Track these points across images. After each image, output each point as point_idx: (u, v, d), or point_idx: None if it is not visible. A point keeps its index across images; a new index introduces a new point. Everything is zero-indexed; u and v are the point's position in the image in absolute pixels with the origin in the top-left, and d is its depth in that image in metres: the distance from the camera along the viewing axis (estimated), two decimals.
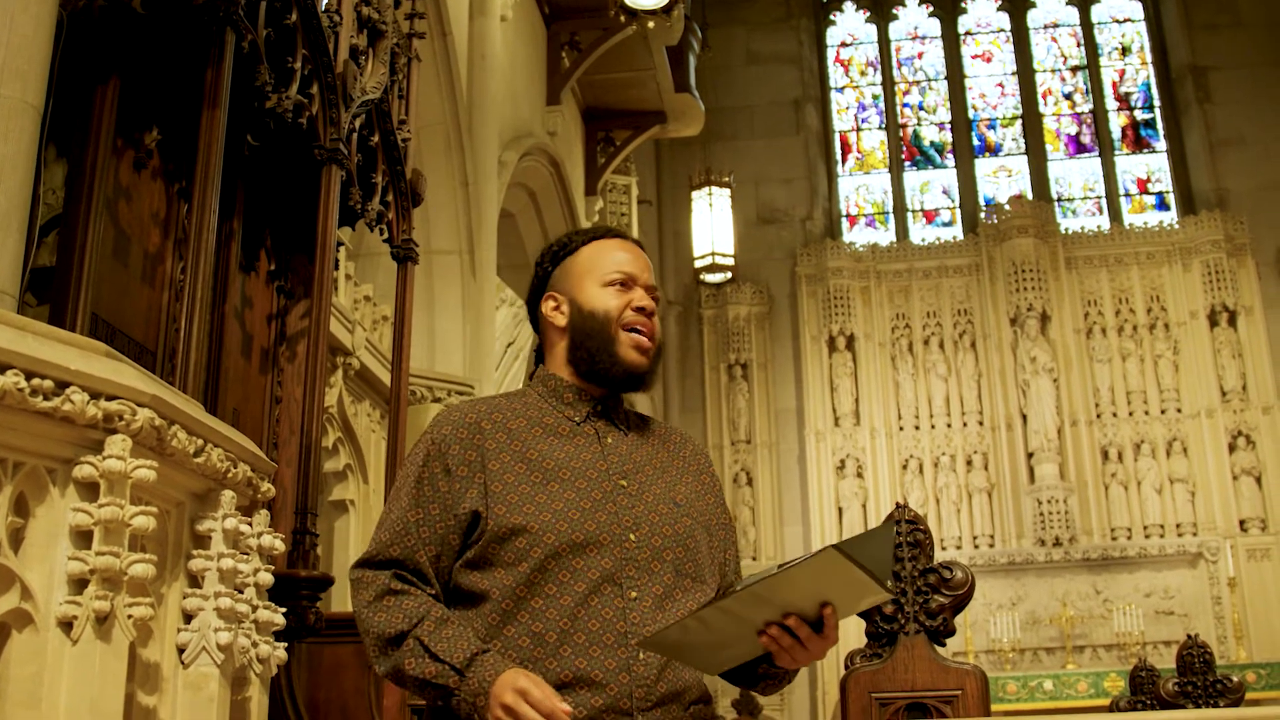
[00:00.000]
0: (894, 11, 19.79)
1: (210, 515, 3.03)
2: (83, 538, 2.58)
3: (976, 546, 15.91)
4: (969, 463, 16.31)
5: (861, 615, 3.15)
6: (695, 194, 15.65)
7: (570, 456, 2.28)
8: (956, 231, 18.11)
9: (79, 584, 2.56)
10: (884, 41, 19.68)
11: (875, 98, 19.43)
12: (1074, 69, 19.30)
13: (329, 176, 4.46)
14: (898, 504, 3.25)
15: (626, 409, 2.44)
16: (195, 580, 3.00)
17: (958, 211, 18.58)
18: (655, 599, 2.19)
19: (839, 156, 19.09)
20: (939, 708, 3.03)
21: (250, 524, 3.18)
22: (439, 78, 9.15)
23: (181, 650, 2.96)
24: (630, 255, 2.40)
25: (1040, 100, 19.10)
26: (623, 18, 11.36)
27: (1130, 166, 18.66)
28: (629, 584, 2.18)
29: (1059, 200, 18.38)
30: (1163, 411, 16.21)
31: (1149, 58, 19.05)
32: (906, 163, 19.03)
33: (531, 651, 2.14)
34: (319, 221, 4.43)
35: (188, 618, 2.98)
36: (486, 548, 2.21)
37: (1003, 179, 18.68)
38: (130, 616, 2.63)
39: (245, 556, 3.11)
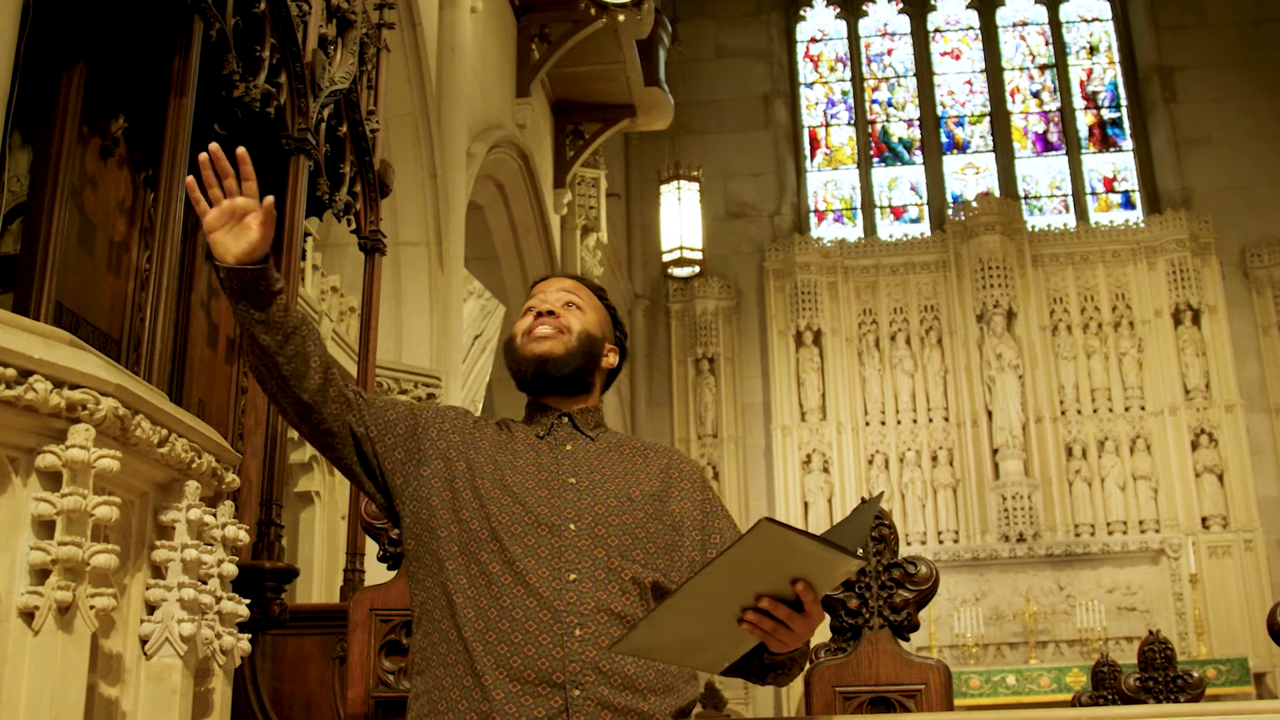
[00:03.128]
0: (864, 8, 19.84)
1: (174, 506, 3.01)
2: (45, 528, 2.56)
3: (941, 542, 16.00)
4: (934, 458, 16.39)
5: (825, 610, 3.16)
6: (664, 188, 15.64)
7: (527, 462, 2.42)
8: (924, 228, 18.19)
9: (41, 574, 2.54)
10: (854, 38, 19.73)
11: (844, 94, 19.48)
12: (1042, 67, 19.40)
13: (296, 166, 4.43)
14: (863, 498, 3.27)
15: (606, 427, 2.58)
16: (158, 571, 2.98)
17: (925, 208, 18.66)
18: (596, 582, 2.27)
19: (808, 152, 19.13)
20: (902, 702, 3.04)
21: (214, 515, 3.16)
22: (408, 68, 9.12)
23: (144, 641, 2.94)
24: (544, 286, 2.61)
25: (1008, 98, 19.20)
26: (593, 10, 11.36)
27: (1097, 165, 18.78)
28: (568, 568, 2.27)
29: (1026, 198, 18.48)
30: (1126, 409, 16.33)
31: (1116, 57, 19.17)
32: (875, 159, 19.10)
33: (473, 625, 2.25)
34: (286, 212, 4.40)
35: (150, 609, 2.96)
36: (429, 534, 2.38)
37: (970, 176, 18.77)
38: (92, 607, 2.61)
39: (209, 547, 3.10)
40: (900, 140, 19.20)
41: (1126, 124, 18.80)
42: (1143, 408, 16.31)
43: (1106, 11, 19.47)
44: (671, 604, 2.01)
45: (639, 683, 2.23)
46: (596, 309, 2.61)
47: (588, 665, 2.19)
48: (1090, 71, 19.26)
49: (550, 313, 2.51)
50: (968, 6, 19.71)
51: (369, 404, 2.49)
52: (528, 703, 2.17)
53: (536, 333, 2.49)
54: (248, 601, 3.36)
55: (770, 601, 2.05)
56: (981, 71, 19.38)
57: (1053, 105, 19.16)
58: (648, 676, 2.25)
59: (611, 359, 2.62)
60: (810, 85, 19.57)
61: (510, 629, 2.21)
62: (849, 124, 19.30)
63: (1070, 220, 18.09)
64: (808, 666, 3.29)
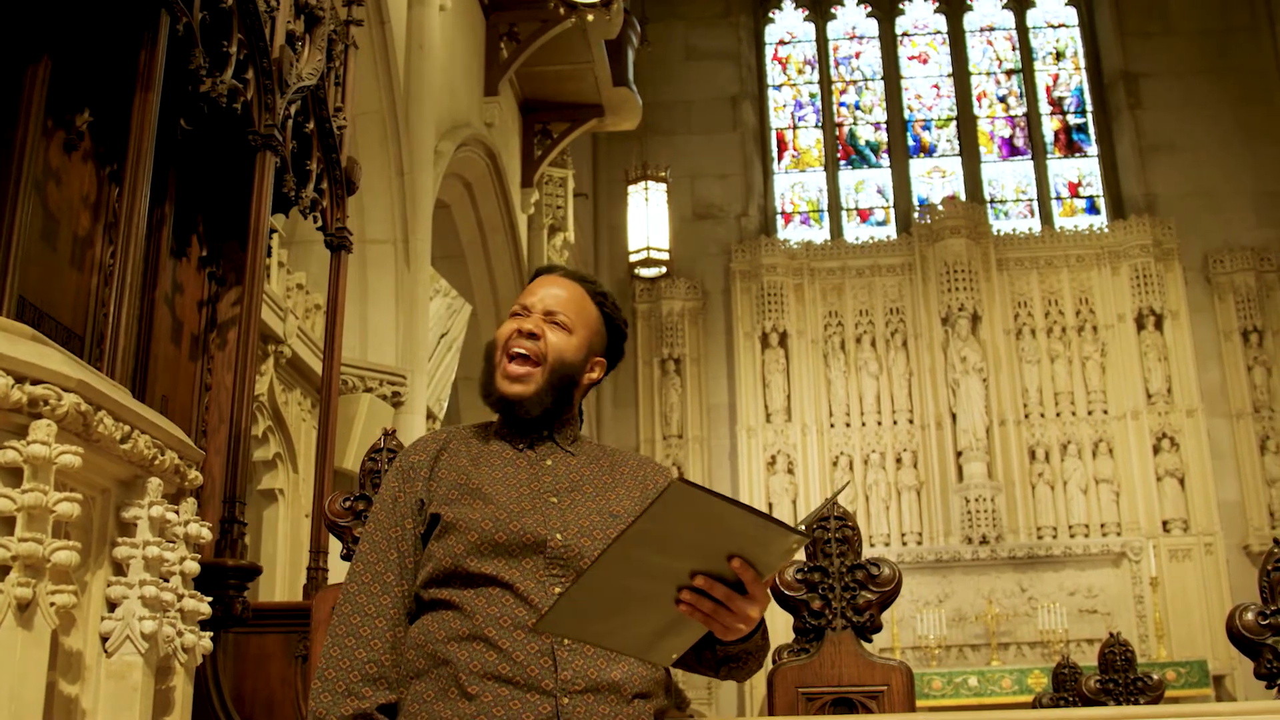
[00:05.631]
0: (832, 11, 19.89)
1: (136, 503, 3.00)
2: (5, 524, 2.55)
3: (905, 544, 16.05)
4: (898, 460, 16.44)
5: (789, 610, 3.16)
6: (631, 188, 15.62)
7: (506, 477, 2.39)
8: (890, 231, 18.24)
9: (1, 571, 2.53)
10: (822, 40, 19.77)
11: (812, 96, 19.52)
12: (1009, 72, 19.49)
13: (263, 163, 4.41)
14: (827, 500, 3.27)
15: (586, 437, 2.53)
16: (120, 568, 2.97)
17: (892, 211, 18.71)
18: None
19: (775, 154, 19.16)
20: (865, 703, 3.05)
21: (177, 512, 3.15)
22: (376, 66, 9.10)
23: (105, 639, 2.93)
24: (540, 286, 2.50)
25: (975, 102, 19.28)
26: (562, 10, 11.35)
27: (1062, 170, 18.88)
28: (553, 581, 2.26)
29: (991, 202, 18.56)
30: (1089, 413, 16.42)
31: (1082, 63, 19.29)
32: (842, 161, 19.14)
33: (458, 634, 2.22)
34: (252, 208, 4.38)
35: (112, 606, 2.95)
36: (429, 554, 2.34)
37: (937, 180, 18.84)
38: (53, 604, 2.59)
39: (171, 545, 3.08)
40: (867, 143, 19.26)
41: (1092, 129, 18.91)
42: (1105, 412, 16.41)
43: (1073, 17, 19.58)
44: (594, 574, 1.89)
45: (625, 689, 2.24)
46: (585, 322, 2.51)
47: (577, 674, 2.19)
48: (1056, 77, 19.36)
49: (531, 334, 2.42)
50: (935, 11, 19.79)
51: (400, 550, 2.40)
52: (516, 708, 2.15)
53: (511, 372, 2.40)
54: (210, 599, 3.35)
55: (706, 580, 1.94)
56: (948, 76, 19.46)
57: (1019, 110, 19.25)
58: (634, 683, 2.25)
59: (595, 373, 2.53)
60: (778, 87, 19.61)
61: (498, 636, 2.20)
62: (816, 126, 19.34)
63: (1035, 225, 18.17)
64: (771, 666, 3.29)
